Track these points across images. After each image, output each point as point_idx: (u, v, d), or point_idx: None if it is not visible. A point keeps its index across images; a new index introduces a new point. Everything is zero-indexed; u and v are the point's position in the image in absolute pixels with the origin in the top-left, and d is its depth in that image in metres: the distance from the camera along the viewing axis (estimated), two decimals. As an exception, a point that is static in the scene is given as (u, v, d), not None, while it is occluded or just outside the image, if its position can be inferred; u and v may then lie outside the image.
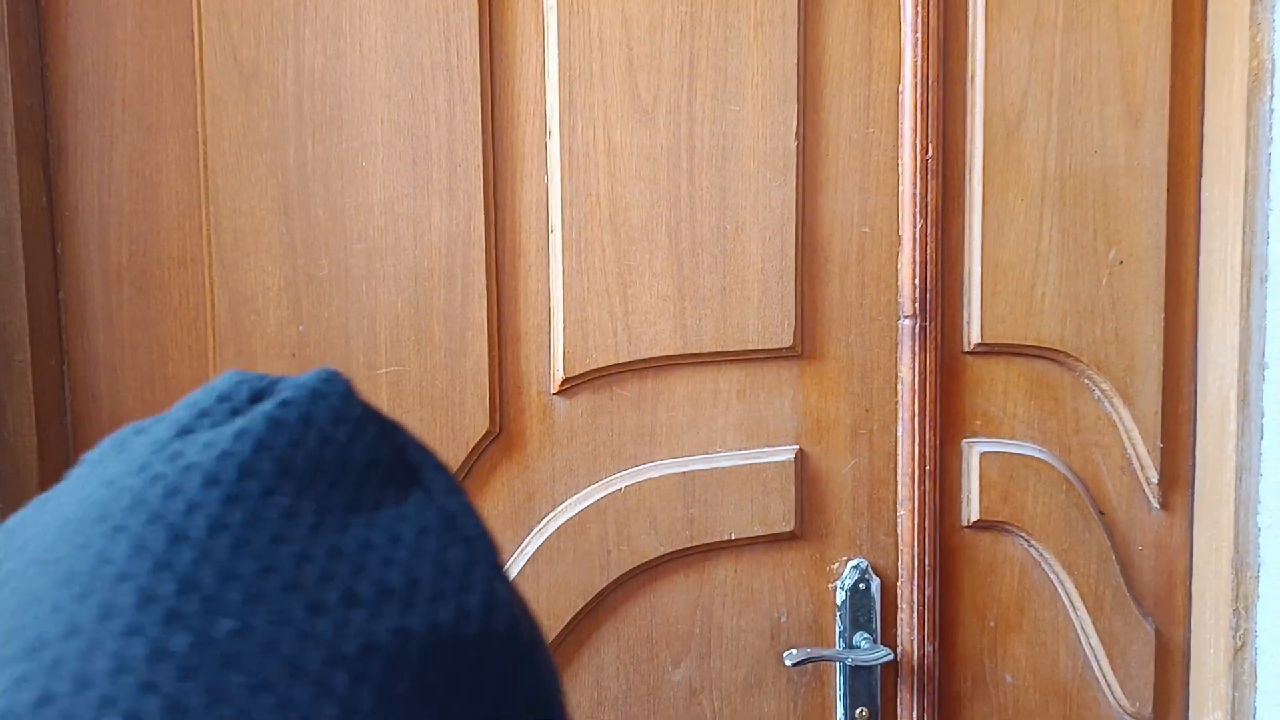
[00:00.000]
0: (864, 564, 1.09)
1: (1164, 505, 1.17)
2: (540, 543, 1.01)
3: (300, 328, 0.93)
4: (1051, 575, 1.14)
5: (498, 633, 0.30)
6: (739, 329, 1.04)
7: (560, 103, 0.98)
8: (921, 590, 1.09)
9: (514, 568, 1.01)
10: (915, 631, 1.09)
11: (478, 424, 0.98)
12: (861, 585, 1.09)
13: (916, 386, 1.07)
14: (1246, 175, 1.10)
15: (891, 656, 1.08)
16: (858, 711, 1.09)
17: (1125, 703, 1.17)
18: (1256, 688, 1.14)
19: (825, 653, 1.07)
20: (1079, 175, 1.11)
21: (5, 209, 0.84)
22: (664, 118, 1.00)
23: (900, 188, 1.07)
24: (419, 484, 0.32)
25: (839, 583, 1.09)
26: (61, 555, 0.27)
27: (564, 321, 1.00)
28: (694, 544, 1.05)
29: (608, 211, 1.00)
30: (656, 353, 1.02)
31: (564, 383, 1.00)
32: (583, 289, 1.00)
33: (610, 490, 1.02)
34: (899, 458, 1.09)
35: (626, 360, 1.02)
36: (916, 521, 1.08)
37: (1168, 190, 1.13)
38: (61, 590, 0.26)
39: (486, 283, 0.97)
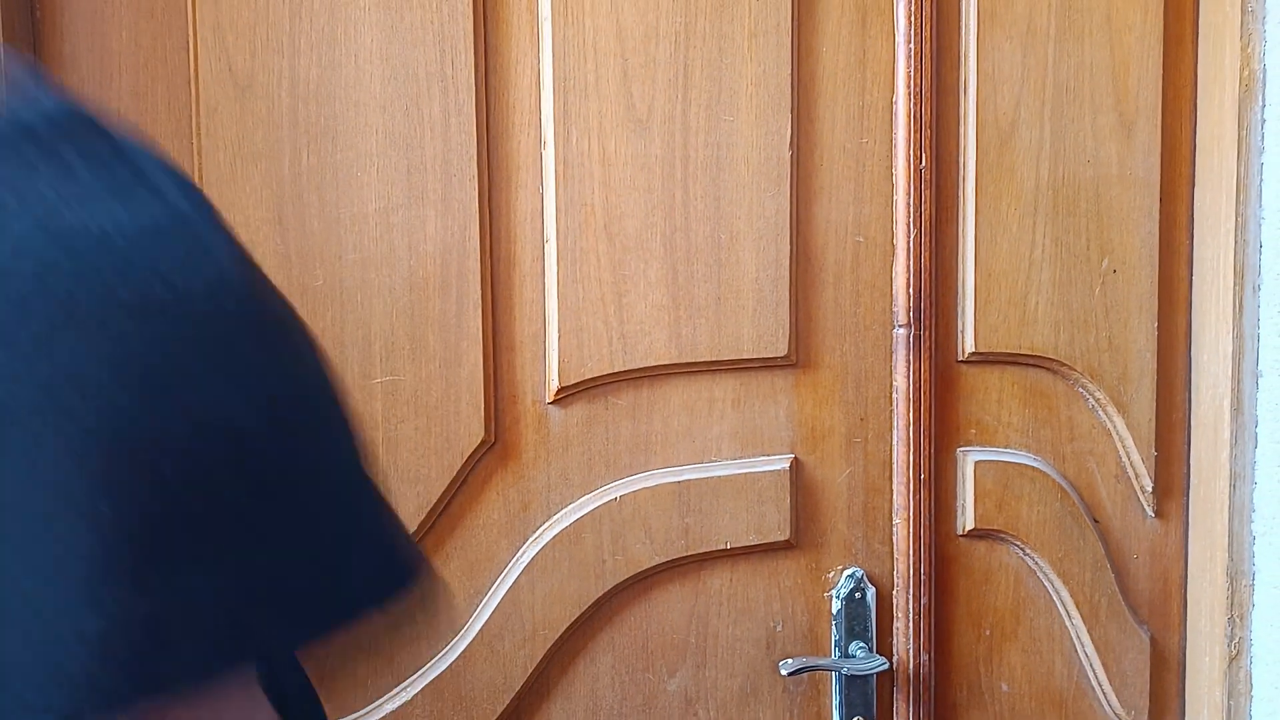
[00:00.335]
0: (859, 573, 1.09)
1: (1159, 513, 1.17)
2: (535, 552, 1.01)
3: (295, 338, 0.93)
4: (1046, 584, 1.14)
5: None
6: (734, 338, 1.04)
7: (555, 113, 0.98)
8: (917, 599, 1.09)
9: (509, 577, 1.01)
10: (911, 640, 1.09)
11: (473, 433, 0.98)
12: (857, 594, 1.09)
13: (911, 395, 1.08)
14: (1238, 184, 1.11)
15: (887, 665, 1.08)
16: (853, 721, 1.09)
17: (1121, 711, 1.17)
18: (1252, 696, 1.14)
19: (821, 662, 1.07)
20: (1072, 184, 1.11)
21: (0, 219, 0.84)
22: (658, 127, 1.01)
23: (894, 197, 1.07)
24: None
25: (834, 592, 1.09)
26: None
27: (559, 331, 1.00)
28: (689, 553, 1.05)
29: (602, 221, 1.00)
30: (651, 362, 1.02)
31: (559, 392, 1.00)
32: (578, 298, 1.00)
33: (605, 499, 1.02)
34: (894, 466, 1.09)
35: (621, 369, 1.02)
36: (912, 530, 1.08)
37: (1160, 199, 1.14)
38: None
39: (481, 292, 0.98)
